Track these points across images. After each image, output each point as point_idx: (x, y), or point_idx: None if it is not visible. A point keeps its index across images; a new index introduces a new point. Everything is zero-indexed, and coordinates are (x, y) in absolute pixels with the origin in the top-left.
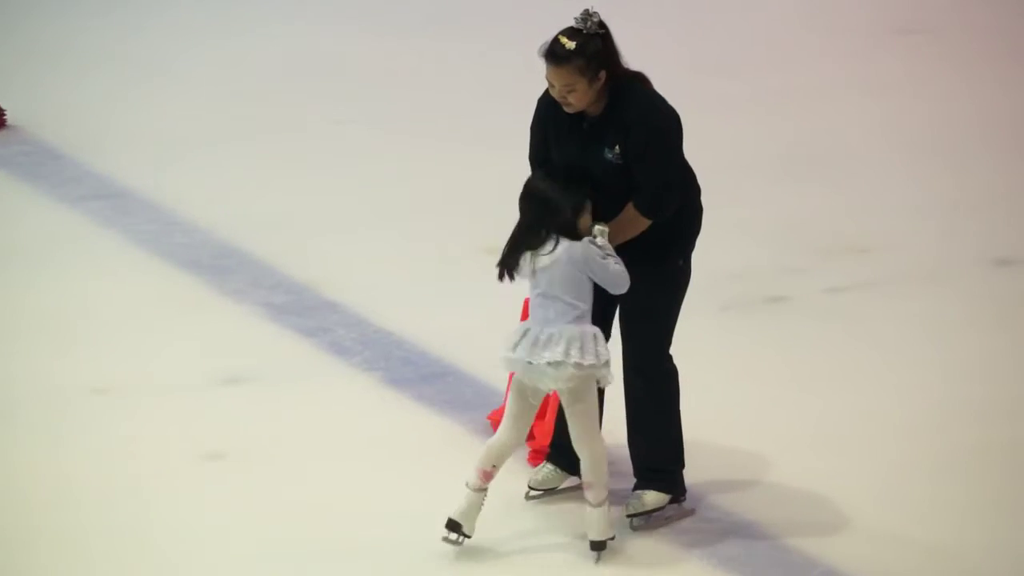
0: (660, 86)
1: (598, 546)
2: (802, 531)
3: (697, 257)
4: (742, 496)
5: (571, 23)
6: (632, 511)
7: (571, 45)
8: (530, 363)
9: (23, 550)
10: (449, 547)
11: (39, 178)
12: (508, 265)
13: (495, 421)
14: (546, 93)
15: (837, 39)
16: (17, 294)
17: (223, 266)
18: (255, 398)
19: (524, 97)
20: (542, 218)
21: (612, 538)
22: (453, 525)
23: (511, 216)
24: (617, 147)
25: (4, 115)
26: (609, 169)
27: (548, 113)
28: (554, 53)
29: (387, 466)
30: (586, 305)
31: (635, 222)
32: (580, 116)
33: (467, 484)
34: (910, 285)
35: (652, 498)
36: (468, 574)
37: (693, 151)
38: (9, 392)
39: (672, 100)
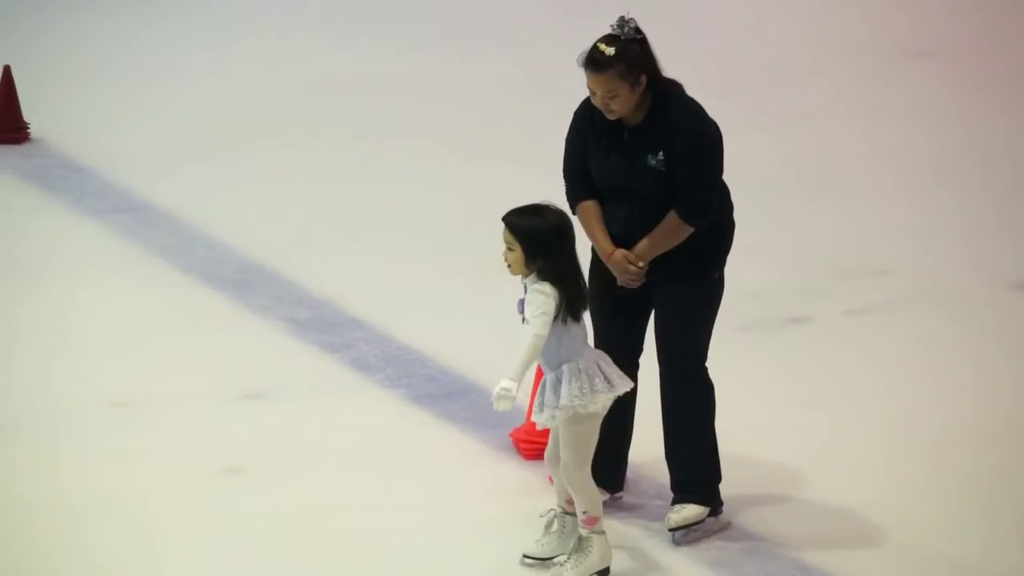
0: None
1: None
2: (824, 550)
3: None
4: (763, 514)
5: (607, 31)
6: (674, 525)
7: (611, 51)
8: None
9: (40, 562)
10: (470, 560)
11: (61, 191)
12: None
13: (516, 439)
14: (583, 104)
15: (851, 61)
16: (37, 305)
17: (246, 281)
18: (276, 413)
19: (544, 114)
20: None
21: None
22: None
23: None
24: (661, 153)
25: (28, 128)
26: (653, 177)
27: (586, 125)
28: (594, 60)
29: (409, 482)
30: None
31: (676, 231)
32: (620, 125)
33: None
34: (929, 308)
35: (692, 512)
36: None
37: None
38: (27, 403)
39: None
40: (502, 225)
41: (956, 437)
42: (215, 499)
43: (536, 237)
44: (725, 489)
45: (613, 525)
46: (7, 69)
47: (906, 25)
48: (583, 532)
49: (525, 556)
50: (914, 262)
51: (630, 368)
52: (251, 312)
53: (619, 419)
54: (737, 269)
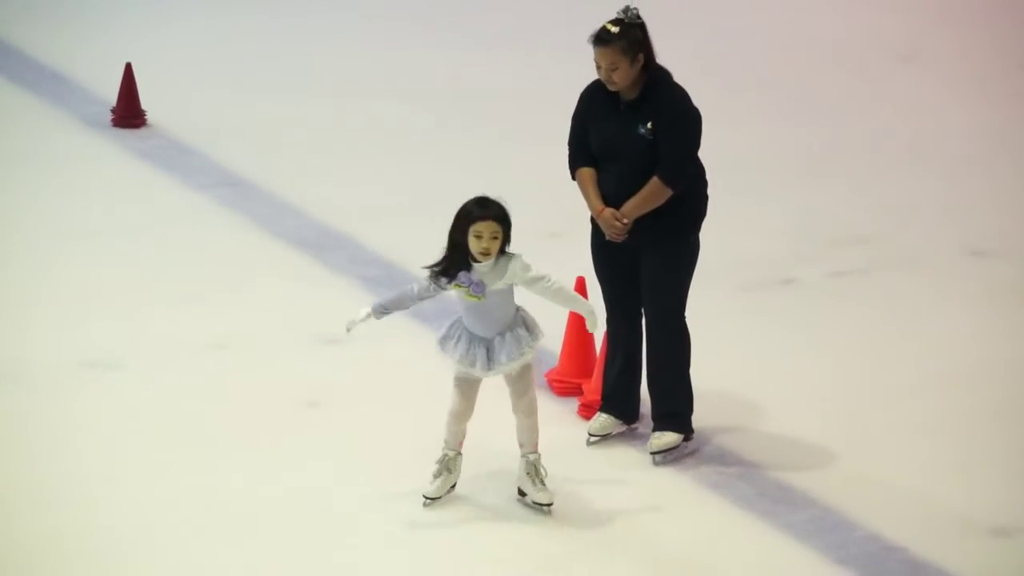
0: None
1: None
2: (805, 472)
3: (721, 243)
4: (753, 443)
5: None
6: (654, 449)
7: (615, 29)
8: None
9: (159, 473)
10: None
11: (173, 168)
12: None
13: (550, 379)
14: (588, 87)
15: (843, 62)
16: (153, 263)
17: (325, 244)
18: (351, 356)
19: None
20: None
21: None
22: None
23: (571, 206)
24: (649, 124)
25: (145, 115)
26: (641, 143)
27: (588, 100)
28: (601, 36)
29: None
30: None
31: (658, 193)
32: (617, 99)
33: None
34: (901, 272)
35: (670, 438)
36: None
37: (723, 154)
38: (146, 343)
39: (705, 112)
40: (547, 198)
41: (926, 382)
42: (299, 428)
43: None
44: (721, 421)
45: (631, 453)
46: (128, 66)
47: (891, 30)
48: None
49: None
50: (890, 233)
51: (635, 316)
52: (330, 270)
53: (629, 359)
54: (739, 237)
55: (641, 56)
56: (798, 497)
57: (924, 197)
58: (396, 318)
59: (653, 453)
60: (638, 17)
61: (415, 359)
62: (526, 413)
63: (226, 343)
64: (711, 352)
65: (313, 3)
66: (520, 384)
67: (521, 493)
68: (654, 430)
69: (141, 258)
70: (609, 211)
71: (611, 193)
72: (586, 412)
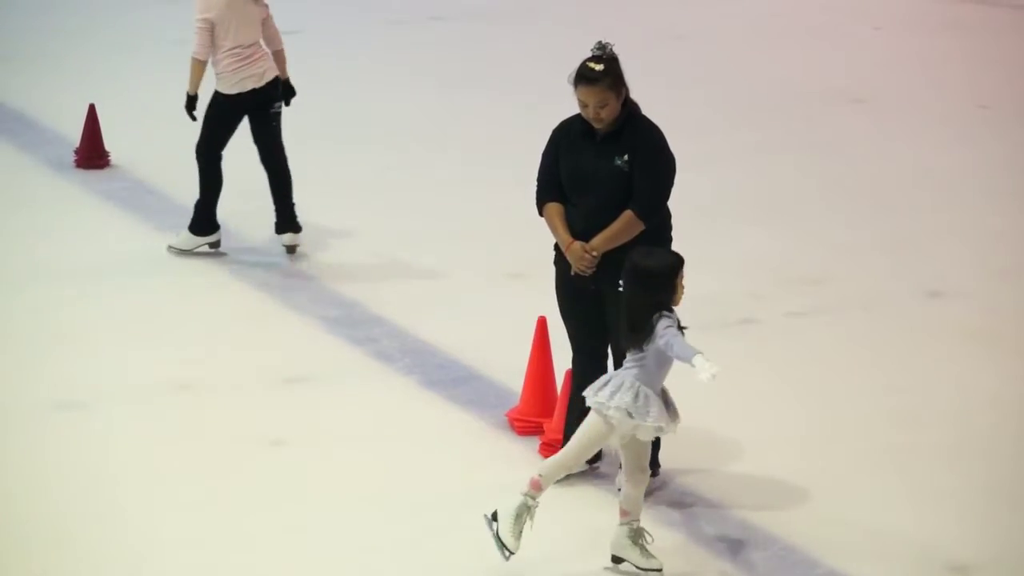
0: None
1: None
2: (766, 511)
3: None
4: (715, 482)
5: (594, 47)
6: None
7: (600, 67)
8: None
9: (121, 520)
10: (475, 515)
11: (137, 209)
12: None
13: (511, 418)
14: (563, 122)
15: (799, 105)
16: (112, 303)
17: (288, 284)
18: (313, 395)
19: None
20: None
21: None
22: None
23: (528, 247)
24: (626, 156)
25: (109, 156)
26: (617, 175)
27: (564, 133)
28: (587, 76)
29: (423, 453)
30: None
31: (630, 226)
32: (594, 132)
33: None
34: (857, 311)
35: None
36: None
37: (678, 196)
38: (108, 382)
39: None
40: (506, 239)
41: (879, 419)
42: (263, 466)
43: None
44: (683, 461)
45: (591, 491)
46: (92, 107)
47: (841, 74)
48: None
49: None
50: (845, 273)
51: (599, 356)
52: (292, 310)
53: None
54: (697, 277)
55: (624, 90)
56: (759, 535)
57: (875, 237)
58: (360, 356)
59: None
60: (614, 54)
61: (379, 398)
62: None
63: (190, 384)
64: (671, 391)
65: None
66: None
67: (616, 560)
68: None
69: (105, 299)
70: (578, 244)
71: (580, 227)
72: (547, 451)
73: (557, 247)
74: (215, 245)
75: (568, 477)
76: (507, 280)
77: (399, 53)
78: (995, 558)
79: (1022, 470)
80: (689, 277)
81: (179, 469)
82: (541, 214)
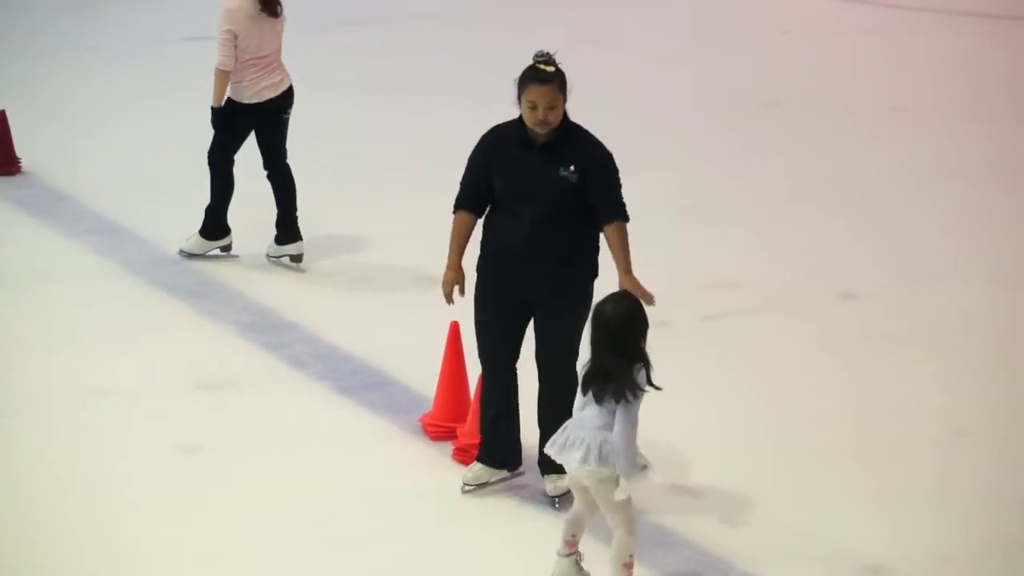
0: None
1: None
2: (683, 514)
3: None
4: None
5: (534, 56)
6: (553, 493)
7: (551, 69)
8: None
9: (24, 528)
10: (387, 520)
11: (48, 215)
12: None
13: (425, 423)
14: (492, 132)
15: (711, 110)
16: (25, 311)
17: (201, 291)
18: (225, 401)
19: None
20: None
21: None
22: None
23: (441, 253)
24: (573, 167)
25: (20, 163)
26: (563, 186)
27: (495, 145)
28: (541, 76)
29: (337, 459)
30: None
31: (622, 233)
32: (529, 143)
33: (557, 553)
34: (771, 314)
35: (564, 482)
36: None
37: None
38: (19, 394)
39: None
40: (419, 246)
41: (792, 422)
42: (175, 473)
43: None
44: None
45: (504, 500)
46: (2, 113)
47: (753, 78)
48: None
49: None
50: (759, 276)
51: (512, 366)
52: (204, 316)
53: (510, 407)
54: (609, 282)
55: (567, 96)
56: (672, 539)
57: (788, 240)
58: (274, 362)
59: (552, 496)
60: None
61: (292, 403)
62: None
63: (103, 389)
64: None
65: (186, 55)
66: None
67: None
68: (546, 473)
69: (16, 306)
70: (454, 273)
71: (523, 236)
72: (460, 456)
73: (483, 254)
74: (227, 249)
75: (484, 486)
76: (420, 285)
77: (317, 58)
78: (908, 559)
79: (935, 471)
80: (604, 279)
81: (90, 475)
82: (455, 213)
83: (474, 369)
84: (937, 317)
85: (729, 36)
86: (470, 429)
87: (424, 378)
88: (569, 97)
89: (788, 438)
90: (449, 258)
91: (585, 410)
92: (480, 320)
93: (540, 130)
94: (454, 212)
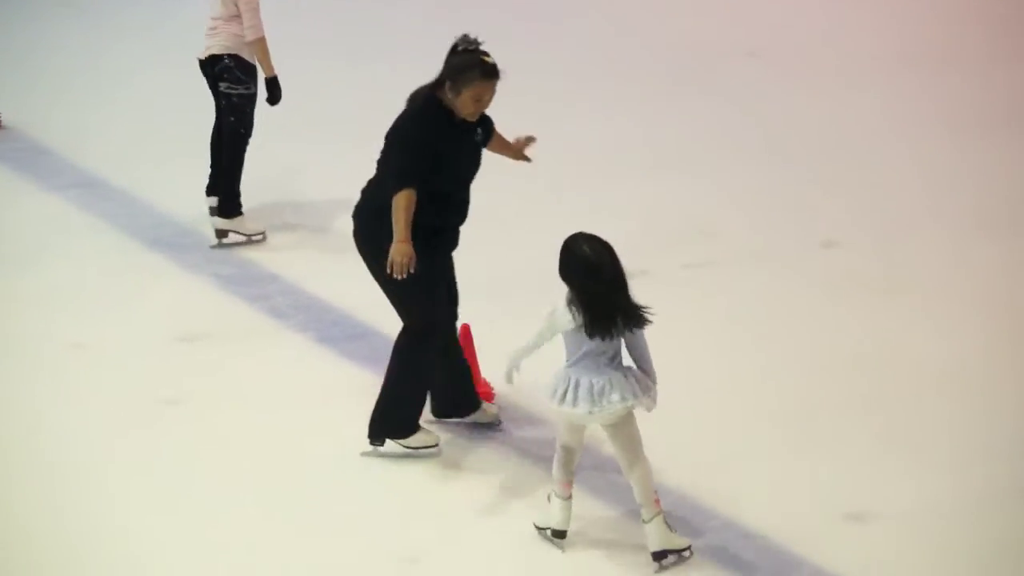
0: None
1: (658, 556)
2: (655, 463)
3: (566, 233)
4: (602, 433)
5: (459, 45)
6: (492, 419)
7: (493, 60)
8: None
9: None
10: (366, 473)
11: (29, 170)
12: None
13: None
14: (433, 118)
15: (693, 58)
16: (8, 265)
17: (181, 244)
18: (206, 353)
19: None
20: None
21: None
22: (559, 534)
23: None
24: (479, 131)
25: (0, 118)
26: (478, 147)
27: (440, 134)
28: (492, 71)
29: (316, 410)
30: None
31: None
32: (468, 129)
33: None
34: (751, 263)
35: (493, 409)
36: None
37: (572, 146)
38: (1, 344)
39: (554, 106)
40: None
41: (777, 372)
42: (155, 426)
43: (561, 258)
44: None
45: (488, 452)
46: None
47: (734, 27)
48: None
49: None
50: (740, 225)
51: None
52: (185, 269)
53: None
54: (593, 228)
55: None
56: (656, 485)
57: (769, 188)
58: (255, 313)
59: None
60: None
61: (273, 355)
62: None
63: (83, 343)
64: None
65: (163, 9)
66: None
67: (660, 557)
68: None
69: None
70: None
71: (461, 219)
72: (489, 398)
73: (433, 231)
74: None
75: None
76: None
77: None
78: (895, 506)
79: (917, 418)
80: (583, 226)
81: (71, 429)
82: (399, 191)
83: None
84: (919, 265)
85: None
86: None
87: None
88: None
89: (773, 386)
90: (403, 232)
91: (585, 354)
92: (429, 275)
93: (472, 118)
94: (404, 188)
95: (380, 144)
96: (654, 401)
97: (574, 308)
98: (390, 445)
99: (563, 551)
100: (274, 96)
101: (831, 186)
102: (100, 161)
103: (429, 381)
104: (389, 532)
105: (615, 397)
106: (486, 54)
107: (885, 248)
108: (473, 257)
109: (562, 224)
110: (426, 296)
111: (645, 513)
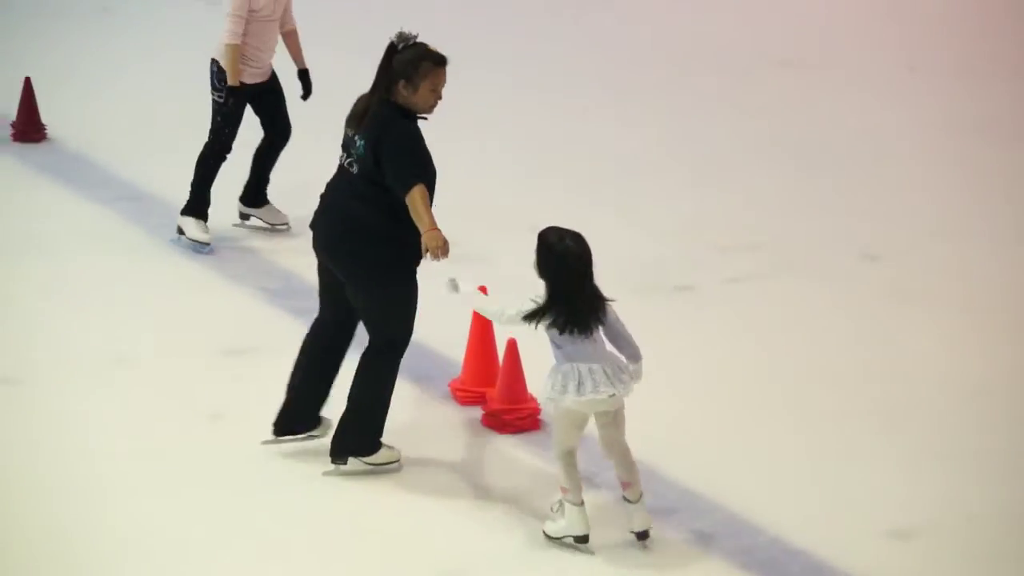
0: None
1: (643, 535)
2: (703, 479)
3: (612, 247)
4: (654, 447)
5: (398, 43)
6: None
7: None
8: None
9: (48, 500)
10: (419, 482)
11: (74, 182)
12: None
13: (453, 389)
14: (413, 122)
15: (727, 68)
16: (50, 276)
17: (226, 256)
18: (252, 368)
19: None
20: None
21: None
22: (583, 539)
23: (466, 220)
24: None
25: (45, 129)
26: None
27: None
28: (442, 59)
29: None
30: None
31: None
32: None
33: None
34: (793, 276)
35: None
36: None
37: (610, 158)
38: (41, 359)
39: (593, 117)
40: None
41: (821, 386)
42: (200, 440)
43: (542, 255)
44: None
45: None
46: (27, 80)
47: (769, 36)
48: (559, 498)
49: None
50: (780, 237)
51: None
52: (231, 282)
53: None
54: (633, 241)
55: None
56: (701, 503)
57: (810, 200)
58: (299, 327)
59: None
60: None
61: None
62: None
63: (128, 357)
64: None
65: (206, 16)
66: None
67: (643, 536)
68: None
69: (43, 272)
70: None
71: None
72: (489, 421)
73: (411, 243)
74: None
75: None
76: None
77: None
78: (931, 520)
79: (957, 431)
80: (626, 240)
81: (116, 444)
82: (411, 187)
83: (502, 335)
84: (958, 276)
85: None
86: (499, 394)
87: (452, 343)
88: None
89: (813, 402)
90: (431, 220)
91: (578, 350)
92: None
93: (430, 112)
94: (418, 185)
95: None
96: (640, 374)
97: (554, 308)
98: (353, 463)
99: (594, 553)
100: (306, 89)
101: (871, 197)
102: (144, 171)
103: (390, 397)
104: (430, 545)
105: (625, 377)
106: (427, 45)
107: (925, 259)
108: (512, 268)
109: (599, 237)
110: (411, 313)
111: (632, 494)
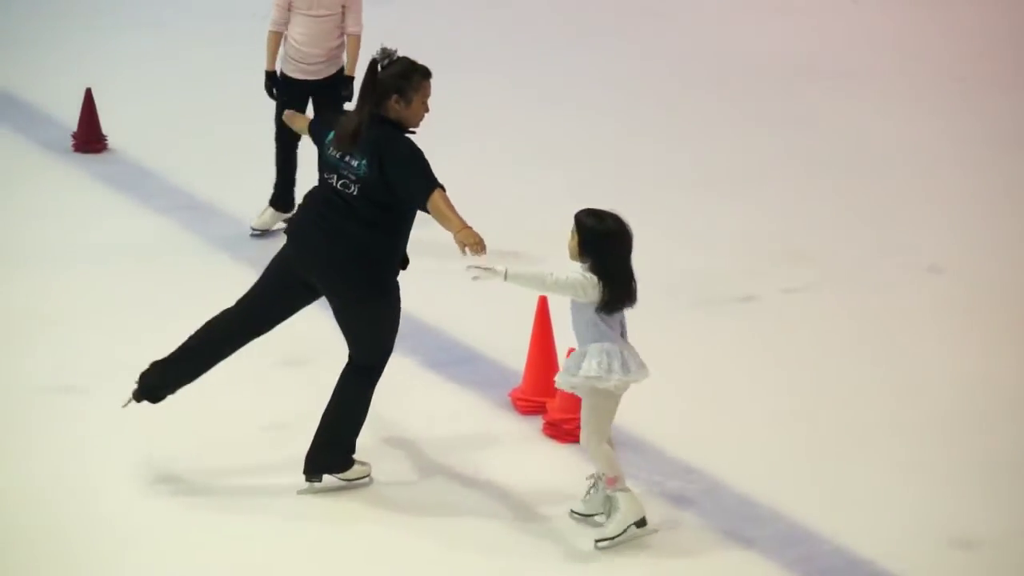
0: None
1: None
2: (765, 487)
3: (663, 260)
4: (715, 457)
5: (381, 60)
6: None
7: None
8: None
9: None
10: (477, 492)
11: (135, 192)
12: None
13: (514, 398)
14: (411, 137)
15: (774, 80)
16: (110, 286)
17: None
18: (312, 378)
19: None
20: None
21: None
22: (643, 523)
23: (527, 226)
24: None
25: (106, 140)
26: None
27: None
28: (429, 70)
29: (425, 434)
30: None
31: None
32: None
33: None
34: (848, 286)
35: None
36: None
37: (664, 171)
38: (100, 368)
39: (645, 129)
40: (503, 221)
41: (886, 398)
42: (262, 450)
43: (591, 235)
44: (686, 439)
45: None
46: (88, 91)
47: (817, 48)
48: (608, 492)
49: (573, 512)
50: (834, 249)
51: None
52: None
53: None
54: (689, 254)
55: None
56: (763, 512)
57: (864, 211)
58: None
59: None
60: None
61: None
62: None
63: None
64: (671, 370)
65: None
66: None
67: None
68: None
69: (103, 282)
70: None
71: None
72: (550, 431)
73: (396, 261)
74: None
75: None
76: (503, 260)
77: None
78: (992, 531)
79: (1018, 443)
80: (681, 254)
81: (176, 453)
82: (432, 192)
83: (563, 343)
84: (1015, 288)
85: (794, 5)
86: (560, 403)
87: (513, 352)
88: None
89: (876, 413)
90: (460, 218)
91: (615, 330)
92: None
93: (418, 126)
94: (437, 189)
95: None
96: None
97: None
98: (328, 480)
99: (658, 529)
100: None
101: (923, 209)
102: (205, 181)
103: (366, 415)
104: (490, 550)
105: (641, 358)
106: (410, 58)
107: (979, 273)
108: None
109: (650, 250)
110: (395, 334)
111: (618, 483)
